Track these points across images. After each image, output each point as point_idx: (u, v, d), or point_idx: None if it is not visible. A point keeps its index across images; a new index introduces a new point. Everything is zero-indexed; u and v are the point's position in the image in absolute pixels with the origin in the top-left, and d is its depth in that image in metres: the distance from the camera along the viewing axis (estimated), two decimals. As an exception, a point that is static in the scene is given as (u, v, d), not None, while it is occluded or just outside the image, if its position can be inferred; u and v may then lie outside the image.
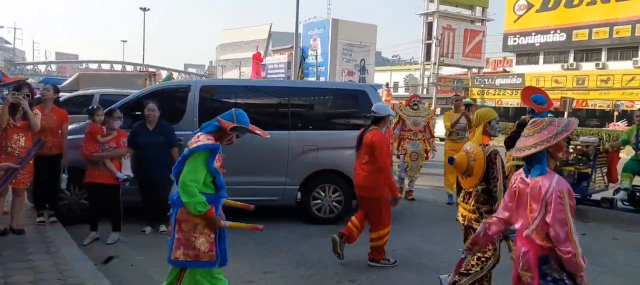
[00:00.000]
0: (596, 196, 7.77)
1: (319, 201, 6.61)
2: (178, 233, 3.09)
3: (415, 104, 8.58)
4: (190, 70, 66.32)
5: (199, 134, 3.15)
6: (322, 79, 46.41)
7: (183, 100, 6.42)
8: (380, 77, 50.04)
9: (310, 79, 47.78)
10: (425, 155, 8.56)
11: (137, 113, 6.09)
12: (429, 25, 44.09)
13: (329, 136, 6.62)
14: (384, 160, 4.89)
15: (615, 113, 31.27)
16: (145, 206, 6.00)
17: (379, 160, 4.86)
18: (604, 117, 33.45)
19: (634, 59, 34.90)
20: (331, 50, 48.88)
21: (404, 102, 9.88)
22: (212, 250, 3.10)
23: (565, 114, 23.99)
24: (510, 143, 5.68)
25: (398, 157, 8.49)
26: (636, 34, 34.40)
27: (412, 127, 8.41)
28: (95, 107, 5.73)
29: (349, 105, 7.10)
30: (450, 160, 3.82)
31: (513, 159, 5.03)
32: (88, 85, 13.26)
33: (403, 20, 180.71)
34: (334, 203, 6.62)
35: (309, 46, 51.61)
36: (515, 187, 2.77)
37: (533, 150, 2.59)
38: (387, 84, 24.02)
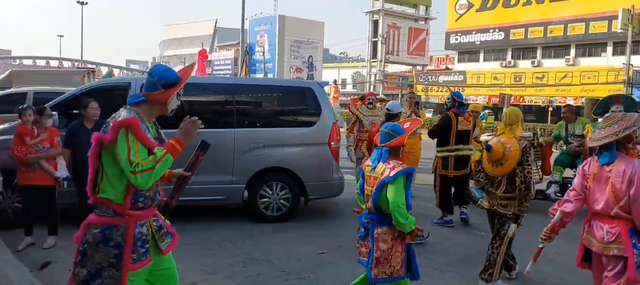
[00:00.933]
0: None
1: (266, 199, 6.58)
2: (376, 252, 3.33)
3: (371, 103, 7.96)
4: (132, 66, 64.21)
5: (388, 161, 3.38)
6: (269, 75, 46.17)
7: (123, 99, 6.20)
8: (328, 73, 50.36)
9: (257, 75, 47.47)
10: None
11: (74, 112, 5.84)
12: (375, 23, 44.80)
13: (275, 134, 6.60)
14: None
15: (550, 109, 32.94)
16: (82, 208, 5.77)
17: None
18: (539, 112, 35.18)
19: (566, 57, 36.90)
20: (278, 47, 48.75)
21: (359, 100, 10.01)
22: (402, 267, 3.36)
23: (504, 109, 24.98)
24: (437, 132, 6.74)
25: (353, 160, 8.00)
26: (568, 33, 36.37)
27: (370, 128, 7.47)
28: (24, 106, 5.46)
29: (296, 103, 7.12)
30: (488, 148, 4.24)
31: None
32: (21, 83, 12.56)
33: (350, 17, 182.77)
34: (281, 201, 6.60)
35: (256, 42, 51.24)
36: (589, 173, 3.25)
37: (604, 142, 3.12)
38: (335, 81, 24.29)
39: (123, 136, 2.36)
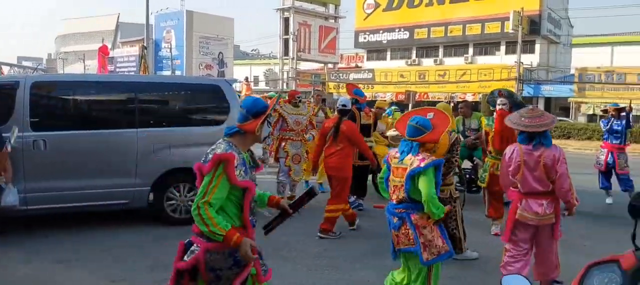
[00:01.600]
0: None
1: (173, 202, 6.34)
2: (421, 238, 3.54)
3: (296, 101, 7.64)
4: (25, 63, 58.97)
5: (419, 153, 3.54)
6: (178, 72, 44.63)
7: (11, 98, 5.69)
8: (239, 71, 49.66)
9: (165, 72, 45.68)
10: (308, 156, 7.63)
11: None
12: (286, 21, 44.83)
13: (181, 133, 6.38)
14: (363, 143, 6.34)
15: (451, 104, 34.97)
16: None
17: (361, 145, 6.25)
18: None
19: (464, 55, 39.31)
20: (187, 43, 47.18)
21: (281, 99, 9.84)
22: (445, 243, 3.60)
23: (410, 105, 26.15)
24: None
25: (277, 160, 7.70)
26: (466, 34, 38.76)
27: (294, 127, 7.51)
28: None
29: (203, 101, 6.92)
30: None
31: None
32: None
33: (261, 14, 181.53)
34: (190, 203, 6.39)
35: (163, 38, 49.25)
36: (519, 160, 4.02)
37: (543, 128, 3.94)
38: (246, 78, 23.88)
39: (214, 169, 2.56)
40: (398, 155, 3.65)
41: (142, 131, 6.14)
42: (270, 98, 11.34)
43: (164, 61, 48.88)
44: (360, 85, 42.97)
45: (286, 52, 44.64)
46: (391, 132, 8.83)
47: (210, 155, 2.62)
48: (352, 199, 7.37)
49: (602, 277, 2.01)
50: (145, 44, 21.72)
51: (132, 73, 40.51)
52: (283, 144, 7.53)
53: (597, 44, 39.76)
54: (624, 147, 8.41)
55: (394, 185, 3.66)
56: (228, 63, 49.74)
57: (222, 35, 48.67)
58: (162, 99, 6.89)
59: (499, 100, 5.94)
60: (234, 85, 7.31)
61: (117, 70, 47.90)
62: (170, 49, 45.00)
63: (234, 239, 2.51)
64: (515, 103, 5.84)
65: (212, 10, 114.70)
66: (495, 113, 6.03)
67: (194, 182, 6.48)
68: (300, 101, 7.70)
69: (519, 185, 4.12)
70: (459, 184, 7.84)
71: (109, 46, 50.30)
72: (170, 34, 48.63)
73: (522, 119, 4.05)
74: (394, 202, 3.67)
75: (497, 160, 5.88)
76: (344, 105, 6.29)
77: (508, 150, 4.21)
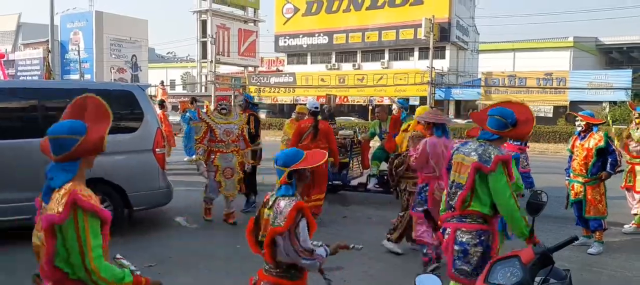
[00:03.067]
0: (354, 182, 8.84)
1: (82, 214, 5.96)
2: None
3: (224, 109, 6.84)
4: None
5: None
6: (87, 77, 42.21)
7: None
8: (155, 74, 47.90)
9: (73, 77, 43.05)
10: (240, 169, 6.90)
11: None
12: (203, 23, 43.91)
13: (91, 142, 6.01)
14: (335, 142, 7.12)
15: (370, 107, 35.98)
16: None
17: (333, 143, 6.89)
18: (361, 111, 38.16)
19: (381, 60, 40.66)
20: (96, 46, 44.72)
21: (208, 107, 9.64)
22: None
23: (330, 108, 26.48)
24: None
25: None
26: (382, 39, 40.12)
27: (224, 137, 6.67)
28: None
29: (115, 107, 6.42)
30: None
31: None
32: None
33: (176, 16, 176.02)
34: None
35: (70, 40, 46.38)
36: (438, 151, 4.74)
37: (444, 122, 4.93)
38: (162, 82, 23.02)
39: (501, 169, 3.11)
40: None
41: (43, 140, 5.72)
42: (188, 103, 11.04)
43: (71, 64, 46.03)
44: (282, 89, 42.99)
45: (204, 55, 43.73)
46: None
47: (492, 158, 3.18)
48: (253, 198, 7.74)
49: (504, 272, 2.16)
50: (49, 47, 20.31)
51: (36, 78, 37.78)
52: (212, 157, 6.67)
53: (501, 50, 42.80)
54: (524, 148, 9.06)
55: None
56: (142, 66, 47.82)
57: (136, 38, 46.69)
58: (67, 106, 6.46)
59: (393, 106, 6.71)
60: (148, 90, 7.00)
61: (19, 74, 44.39)
62: (79, 51, 42.48)
63: None
64: (404, 107, 7.00)
65: (124, 11, 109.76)
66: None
67: (107, 193, 6.16)
68: (224, 109, 6.82)
69: (437, 171, 4.71)
70: (377, 186, 8.11)
71: (9, 48, 46.60)
72: (78, 35, 45.89)
73: (437, 116, 4.95)
74: None
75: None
76: (316, 107, 6.98)
77: (422, 143, 4.88)
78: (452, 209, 3.27)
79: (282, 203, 2.58)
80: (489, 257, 3.08)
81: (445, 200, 3.39)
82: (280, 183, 2.62)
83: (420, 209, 4.90)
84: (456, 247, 3.20)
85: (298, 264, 2.58)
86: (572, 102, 31.66)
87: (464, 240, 3.19)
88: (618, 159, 5.77)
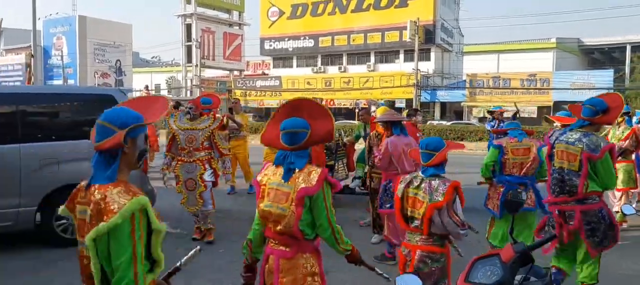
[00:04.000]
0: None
1: (64, 221, 5.87)
2: None
3: (188, 112, 6.02)
4: None
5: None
6: (71, 82, 41.73)
7: None
8: (139, 79, 47.56)
9: (56, 82, 42.55)
10: (203, 182, 6.01)
11: None
12: (188, 27, 43.62)
13: (71, 147, 5.92)
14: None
15: (356, 110, 36.05)
16: None
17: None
18: (348, 113, 38.24)
19: (367, 63, 40.78)
20: (80, 51, 44.22)
21: (177, 109, 9.66)
22: None
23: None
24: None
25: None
26: (368, 42, 40.25)
27: (186, 145, 5.91)
28: None
29: (96, 112, 6.39)
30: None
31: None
32: None
33: (161, 20, 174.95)
34: (213, 181, 6.17)
35: (53, 45, 45.82)
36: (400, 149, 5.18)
37: (398, 120, 5.40)
38: (146, 86, 22.86)
39: (608, 155, 3.59)
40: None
41: (26, 146, 5.63)
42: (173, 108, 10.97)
43: (54, 70, 45.47)
44: (268, 93, 42.98)
45: (189, 59, 43.45)
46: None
47: (602, 145, 3.68)
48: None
49: (485, 271, 2.16)
50: (32, 52, 20.05)
51: (18, 83, 37.27)
52: (174, 164, 6.07)
53: (485, 52, 43.21)
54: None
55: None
56: (126, 71, 47.39)
57: (119, 42, 46.27)
58: (50, 111, 6.38)
59: (371, 109, 6.86)
60: (130, 95, 6.93)
61: (0, 80, 43.72)
62: (62, 56, 41.98)
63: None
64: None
65: (107, 15, 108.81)
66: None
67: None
68: (188, 112, 6.02)
69: (399, 168, 5.10)
70: (361, 188, 8.13)
71: (-11, 53, 45.79)
72: (61, 40, 45.36)
73: (393, 115, 5.55)
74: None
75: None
76: None
77: (384, 144, 5.28)
78: (570, 194, 3.75)
79: (434, 183, 3.11)
80: (611, 227, 3.73)
81: (551, 185, 3.87)
82: (428, 165, 3.17)
83: (388, 205, 5.20)
84: (585, 227, 3.71)
85: (453, 233, 3.08)
86: (556, 103, 32.07)
87: (590, 219, 3.71)
88: None
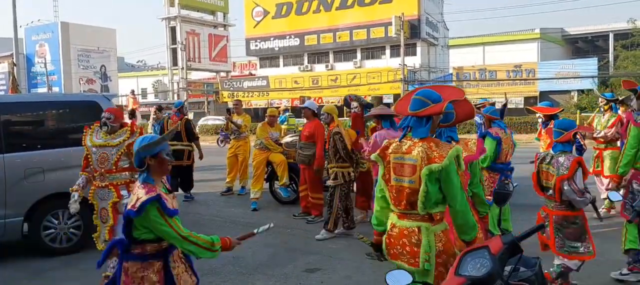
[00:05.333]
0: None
1: (52, 230, 5.80)
2: None
3: (105, 124, 4.71)
4: None
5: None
6: (55, 89, 41.27)
7: None
8: (125, 83, 47.09)
9: (40, 89, 42.08)
10: (115, 213, 4.60)
11: None
12: (172, 30, 43.36)
13: (57, 155, 5.86)
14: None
15: (345, 107, 36.06)
16: None
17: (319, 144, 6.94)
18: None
19: (353, 60, 40.79)
20: (63, 57, 43.74)
21: (161, 112, 10.01)
22: None
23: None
24: None
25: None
26: (354, 39, 40.22)
27: (98, 166, 4.66)
28: None
29: (80, 119, 6.38)
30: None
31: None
32: None
33: (145, 24, 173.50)
34: (71, 230, 5.89)
35: (36, 53, 45.29)
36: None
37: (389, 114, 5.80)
38: (132, 91, 22.63)
39: None
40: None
41: (9, 156, 5.55)
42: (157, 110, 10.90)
43: (38, 77, 44.94)
44: (255, 93, 42.73)
45: (175, 62, 43.21)
46: (286, 139, 8.91)
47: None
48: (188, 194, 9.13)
49: (474, 263, 2.16)
50: (15, 60, 19.79)
51: (2, 92, 36.78)
52: (90, 189, 4.77)
53: (470, 44, 43.43)
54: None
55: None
56: (112, 76, 47.00)
57: (104, 47, 45.85)
58: (33, 120, 6.31)
59: (352, 104, 6.87)
60: (115, 100, 6.86)
61: (-17, 89, 43.11)
62: (45, 64, 41.50)
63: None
64: (363, 105, 6.93)
65: (90, 21, 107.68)
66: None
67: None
68: (105, 124, 4.70)
69: None
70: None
71: (-30, 63, 45.10)
72: (43, 47, 44.84)
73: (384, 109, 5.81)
74: None
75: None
76: (308, 107, 7.43)
77: (373, 137, 5.50)
78: None
79: (561, 159, 3.75)
80: None
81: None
82: (559, 141, 3.82)
83: None
84: None
85: (573, 200, 3.70)
86: (541, 92, 32.35)
87: None
88: (582, 143, 5.91)
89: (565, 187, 3.69)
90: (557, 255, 3.92)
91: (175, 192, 9.20)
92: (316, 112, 7.27)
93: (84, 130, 4.85)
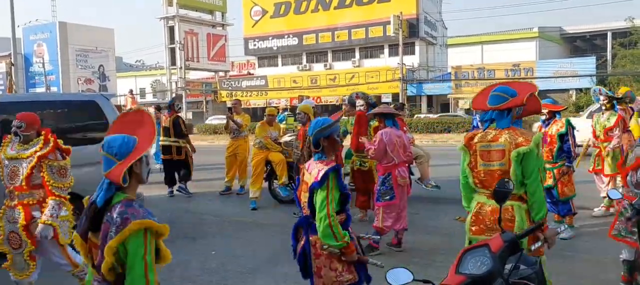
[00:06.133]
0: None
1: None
2: None
3: (19, 132, 4.10)
4: None
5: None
6: (54, 89, 41.20)
7: None
8: (123, 83, 47.04)
9: (39, 89, 42.02)
10: (30, 237, 3.94)
11: None
12: (171, 30, 43.32)
13: (55, 155, 5.83)
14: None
15: (343, 106, 36.04)
16: None
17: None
18: (334, 110, 38.23)
19: (352, 59, 40.80)
20: (62, 57, 43.69)
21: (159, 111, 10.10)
22: None
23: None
24: None
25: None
26: (352, 38, 40.24)
27: (8, 181, 4.05)
28: None
29: (78, 119, 6.38)
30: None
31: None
32: None
33: (143, 24, 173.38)
34: (70, 229, 5.87)
35: (34, 53, 45.22)
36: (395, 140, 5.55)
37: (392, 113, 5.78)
38: (131, 91, 22.58)
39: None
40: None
41: (7, 156, 5.52)
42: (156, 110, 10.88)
43: (36, 77, 44.88)
44: (254, 92, 42.75)
45: (173, 62, 43.16)
46: (285, 138, 8.90)
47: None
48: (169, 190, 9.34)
49: (475, 261, 2.15)
50: (12, 60, 19.76)
51: (0, 92, 36.73)
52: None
53: (469, 43, 43.47)
54: None
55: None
56: (110, 76, 46.96)
57: (102, 47, 45.81)
58: (32, 119, 6.25)
59: (358, 103, 6.73)
60: (113, 100, 6.84)
61: (-19, 89, 43.03)
62: (43, 63, 41.43)
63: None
64: (369, 104, 6.78)
65: (88, 21, 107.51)
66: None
67: (74, 207, 6.00)
68: (17, 131, 4.10)
69: (396, 159, 5.42)
70: (351, 184, 8.13)
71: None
72: (41, 47, 44.78)
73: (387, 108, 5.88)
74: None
75: (357, 158, 6.88)
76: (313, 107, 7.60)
77: (378, 135, 5.48)
78: None
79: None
80: None
81: None
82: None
83: (387, 197, 5.36)
84: None
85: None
86: (540, 91, 31.87)
87: None
88: (572, 148, 5.88)
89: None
90: None
91: (175, 186, 9.38)
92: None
93: (3, 140, 4.22)
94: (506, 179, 2.82)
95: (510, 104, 3.04)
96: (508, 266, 2.18)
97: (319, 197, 2.83)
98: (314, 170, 2.95)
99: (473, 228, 3.15)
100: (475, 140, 3.15)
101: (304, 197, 3.01)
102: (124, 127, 2.33)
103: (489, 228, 3.05)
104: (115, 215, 2.08)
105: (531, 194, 2.98)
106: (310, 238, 2.96)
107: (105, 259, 2.05)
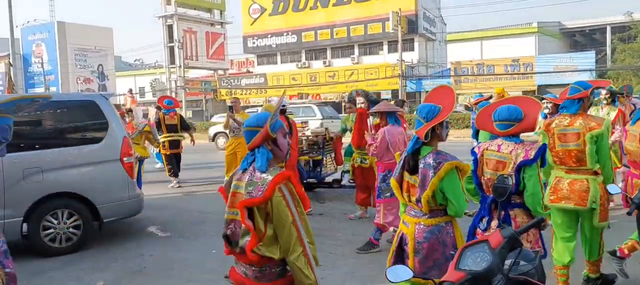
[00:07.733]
0: (328, 179, 8.83)
1: (51, 230, 5.78)
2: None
3: None
4: None
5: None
6: (53, 89, 41.16)
7: None
8: (123, 82, 47.02)
9: (38, 89, 41.96)
10: None
11: None
12: (169, 28, 43.24)
13: (55, 155, 5.84)
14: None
15: (343, 103, 36.03)
16: None
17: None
18: (334, 107, 38.20)
19: (351, 56, 40.75)
20: (60, 57, 43.62)
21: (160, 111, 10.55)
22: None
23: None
24: None
25: None
26: (351, 35, 40.20)
27: None
28: None
29: (78, 118, 6.38)
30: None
31: None
32: None
33: (141, 23, 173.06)
34: (71, 230, 5.88)
35: (32, 53, 45.16)
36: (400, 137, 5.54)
37: (394, 110, 5.71)
38: (130, 90, 22.59)
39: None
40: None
41: (8, 156, 5.51)
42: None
43: (35, 77, 44.84)
44: (253, 90, 42.65)
45: (172, 61, 43.10)
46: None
47: None
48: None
49: (474, 257, 2.15)
50: (11, 60, 19.73)
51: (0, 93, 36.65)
52: None
53: (468, 39, 43.43)
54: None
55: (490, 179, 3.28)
56: (109, 75, 46.89)
57: (101, 47, 45.73)
58: (31, 119, 6.26)
59: (358, 100, 6.68)
60: (111, 99, 6.84)
61: (-20, 90, 42.98)
62: (42, 63, 41.39)
63: None
64: (370, 101, 6.67)
65: (87, 20, 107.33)
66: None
67: (75, 207, 5.98)
68: None
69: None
70: (351, 181, 8.14)
71: (-33, 64, 44.95)
72: (40, 47, 44.73)
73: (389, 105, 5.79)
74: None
75: (357, 155, 6.80)
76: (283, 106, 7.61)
77: (381, 132, 5.44)
78: None
79: None
80: None
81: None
82: None
83: (388, 194, 5.32)
84: None
85: None
86: (539, 86, 32.36)
87: None
88: None
89: None
90: None
91: (173, 178, 9.86)
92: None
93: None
94: (505, 176, 2.82)
95: (581, 94, 3.75)
96: (508, 262, 2.18)
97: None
98: (520, 151, 3.10)
99: (552, 197, 3.77)
100: (553, 125, 3.80)
101: None
102: (435, 97, 3.00)
103: (565, 197, 3.71)
104: (431, 161, 2.80)
105: (603, 166, 3.61)
106: (510, 211, 3.18)
107: (426, 191, 2.80)
